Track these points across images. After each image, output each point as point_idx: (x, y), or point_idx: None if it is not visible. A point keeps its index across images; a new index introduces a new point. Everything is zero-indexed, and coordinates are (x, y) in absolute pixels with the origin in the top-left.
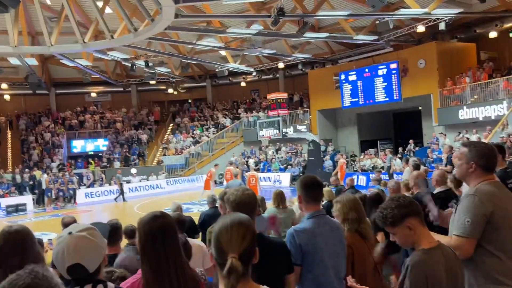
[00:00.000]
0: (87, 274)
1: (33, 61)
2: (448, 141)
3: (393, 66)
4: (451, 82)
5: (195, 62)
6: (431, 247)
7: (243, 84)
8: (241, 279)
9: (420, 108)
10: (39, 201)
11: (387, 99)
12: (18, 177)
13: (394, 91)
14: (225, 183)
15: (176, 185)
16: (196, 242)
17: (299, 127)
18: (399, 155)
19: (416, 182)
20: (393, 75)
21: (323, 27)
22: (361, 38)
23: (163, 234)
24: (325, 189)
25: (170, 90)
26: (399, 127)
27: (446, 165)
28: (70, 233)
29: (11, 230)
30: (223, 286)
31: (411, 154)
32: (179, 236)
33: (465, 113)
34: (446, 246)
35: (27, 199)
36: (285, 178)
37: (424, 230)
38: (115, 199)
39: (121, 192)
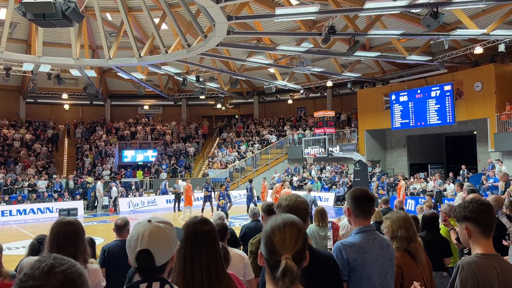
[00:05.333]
0: (154, 268)
1: (92, 73)
2: (504, 168)
3: (447, 88)
4: (510, 107)
5: (244, 79)
6: (487, 253)
7: (290, 101)
8: (295, 282)
9: (475, 132)
10: (89, 207)
11: (439, 121)
12: (71, 183)
13: (448, 114)
14: (268, 198)
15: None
16: (237, 252)
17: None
18: (450, 180)
19: None
20: (446, 97)
21: (375, 46)
22: (414, 58)
23: (205, 239)
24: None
25: (218, 106)
26: (451, 151)
27: (503, 193)
28: (149, 220)
29: (65, 221)
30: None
31: (465, 180)
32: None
33: None
34: (505, 260)
35: (78, 204)
36: (329, 198)
37: (483, 240)
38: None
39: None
